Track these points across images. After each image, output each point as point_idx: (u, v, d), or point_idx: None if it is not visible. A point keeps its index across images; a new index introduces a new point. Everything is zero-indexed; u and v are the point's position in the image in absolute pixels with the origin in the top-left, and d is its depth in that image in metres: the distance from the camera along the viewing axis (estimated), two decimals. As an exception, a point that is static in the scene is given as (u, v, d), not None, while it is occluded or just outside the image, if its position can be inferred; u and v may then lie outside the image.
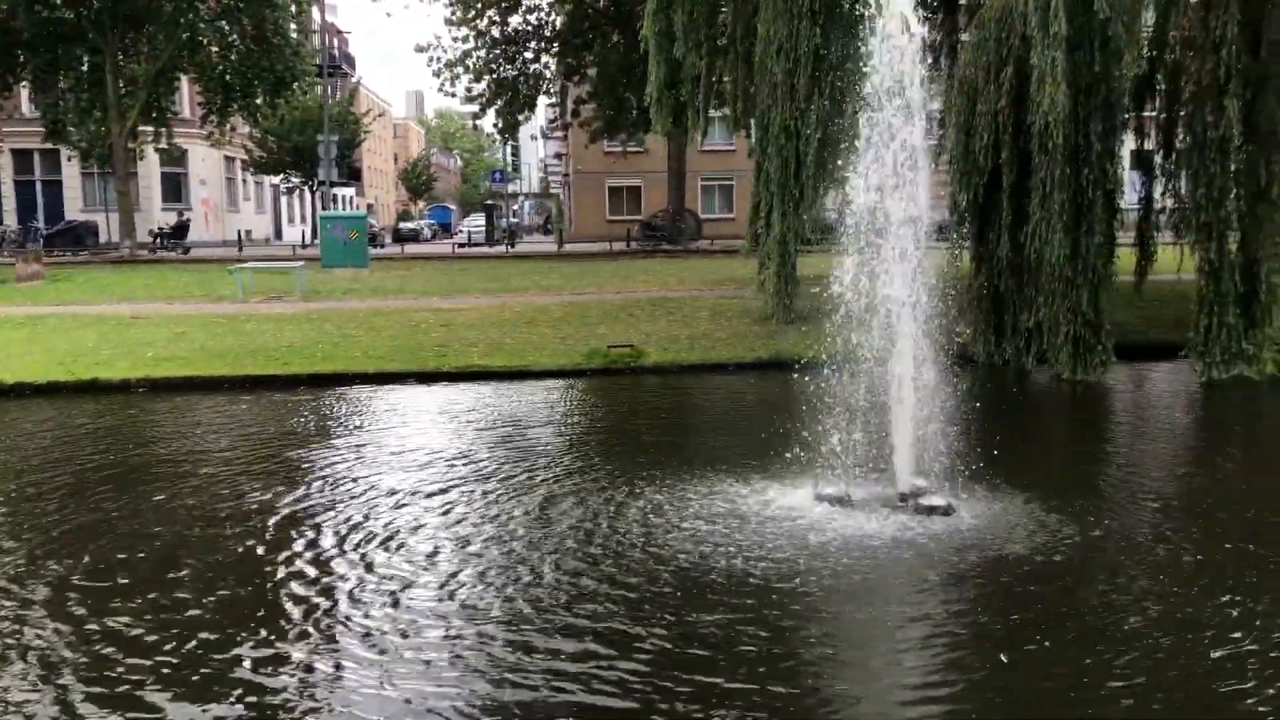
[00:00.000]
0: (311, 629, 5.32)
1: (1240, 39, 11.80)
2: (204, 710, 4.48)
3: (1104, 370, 12.40)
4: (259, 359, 13.89)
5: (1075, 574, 5.99)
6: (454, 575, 6.05)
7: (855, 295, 7.32)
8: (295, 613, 5.53)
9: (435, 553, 6.44)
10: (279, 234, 59.22)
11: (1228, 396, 11.97)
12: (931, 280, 7.51)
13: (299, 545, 6.65)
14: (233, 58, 37.15)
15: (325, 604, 5.66)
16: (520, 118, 43.43)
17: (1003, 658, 4.90)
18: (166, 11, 33.66)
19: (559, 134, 66.46)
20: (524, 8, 39.37)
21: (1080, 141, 12.21)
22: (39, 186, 45.94)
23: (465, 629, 5.27)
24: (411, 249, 44.49)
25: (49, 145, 40.19)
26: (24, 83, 38.49)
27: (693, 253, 35.85)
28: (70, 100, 36.46)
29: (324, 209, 44.50)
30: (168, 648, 5.07)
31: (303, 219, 61.30)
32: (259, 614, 5.53)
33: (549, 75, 42.18)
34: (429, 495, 7.76)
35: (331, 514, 7.30)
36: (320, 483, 8.19)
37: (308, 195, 58.94)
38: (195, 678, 4.77)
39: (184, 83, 41.62)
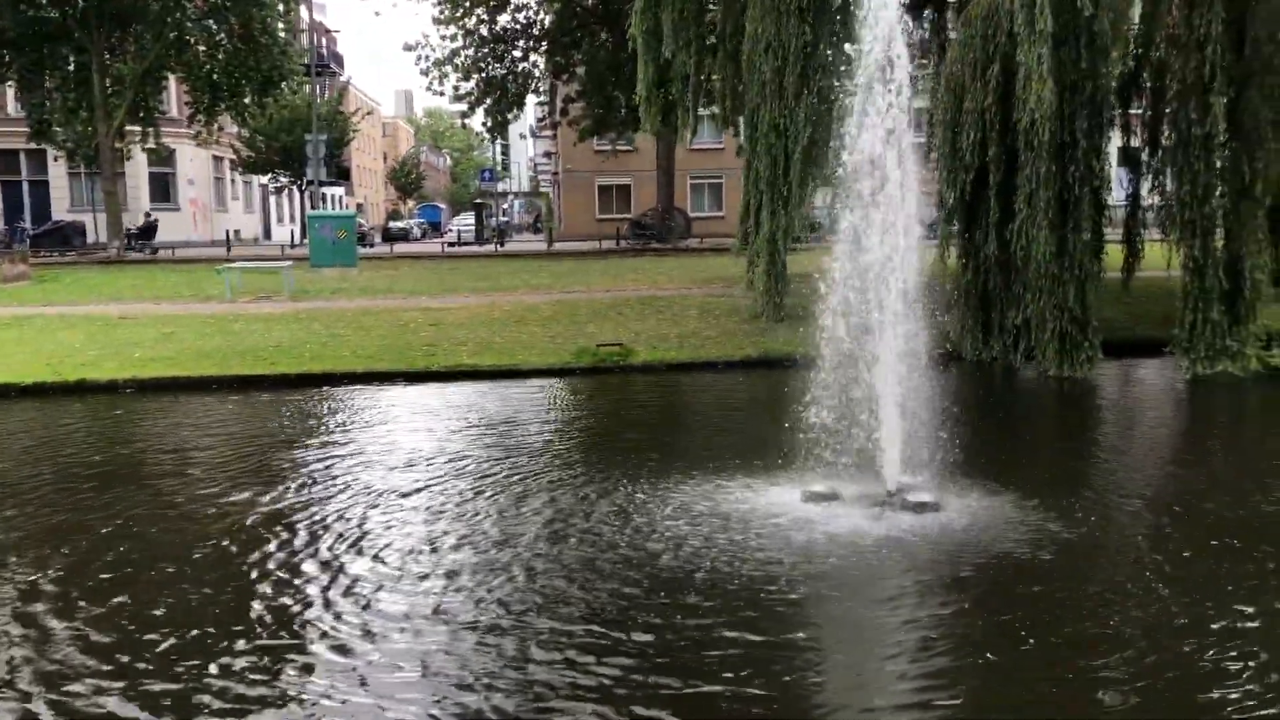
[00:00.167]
0: (284, 632, 5.26)
1: (1225, 37, 11.85)
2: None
3: (1090, 367, 12.45)
4: (247, 359, 13.85)
5: (1063, 572, 6.00)
6: (430, 576, 6.00)
7: (842, 291, 7.34)
8: (268, 616, 5.45)
9: (412, 554, 6.39)
10: (268, 234, 59.04)
11: (1212, 392, 12.02)
12: (920, 273, 7.52)
13: (276, 547, 6.59)
14: (220, 57, 36.99)
15: (300, 607, 5.59)
16: (509, 116, 43.38)
17: (990, 656, 4.91)
18: (153, 10, 33.49)
19: (548, 133, 66.35)
20: (512, 6, 39.30)
21: (1066, 138, 12.27)
22: (25, 187, 45.68)
23: (440, 631, 5.22)
24: (401, 248, 44.39)
25: (35, 145, 39.97)
26: (9, 82, 38.23)
27: (682, 251, 35.85)
28: (56, 100, 36.26)
29: (313, 208, 44.36)
30: (136, 652, 5.00)
31: (292, 218, 61.10)
32: (232, 617, 5.44)
33: (538, 74, 42.13)
34: (409, 495, 7.73)
35: (312, 515, 7.26)
36: (303, 483, 8.16)
37: (296, 195, 58.74)
38: (165, 683, 4.70)
39: (171, 82, 41.41)
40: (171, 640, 5.14)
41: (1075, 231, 12.38)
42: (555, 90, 45.37)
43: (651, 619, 5.33)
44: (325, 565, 6.24)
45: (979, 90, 12.89)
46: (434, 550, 6.47)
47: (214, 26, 35.94)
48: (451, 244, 47.38)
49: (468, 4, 38.33)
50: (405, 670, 4.83)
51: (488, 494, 7.71)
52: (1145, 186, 15.89)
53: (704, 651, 4.93)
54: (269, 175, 54.75)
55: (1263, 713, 4.34)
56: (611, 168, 50.02)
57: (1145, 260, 16.12)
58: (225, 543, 6.69)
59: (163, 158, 43.67)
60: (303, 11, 45.93)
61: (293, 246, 41.78)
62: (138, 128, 37.61)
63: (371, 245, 46.58)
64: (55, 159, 43.04)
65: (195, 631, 5.26)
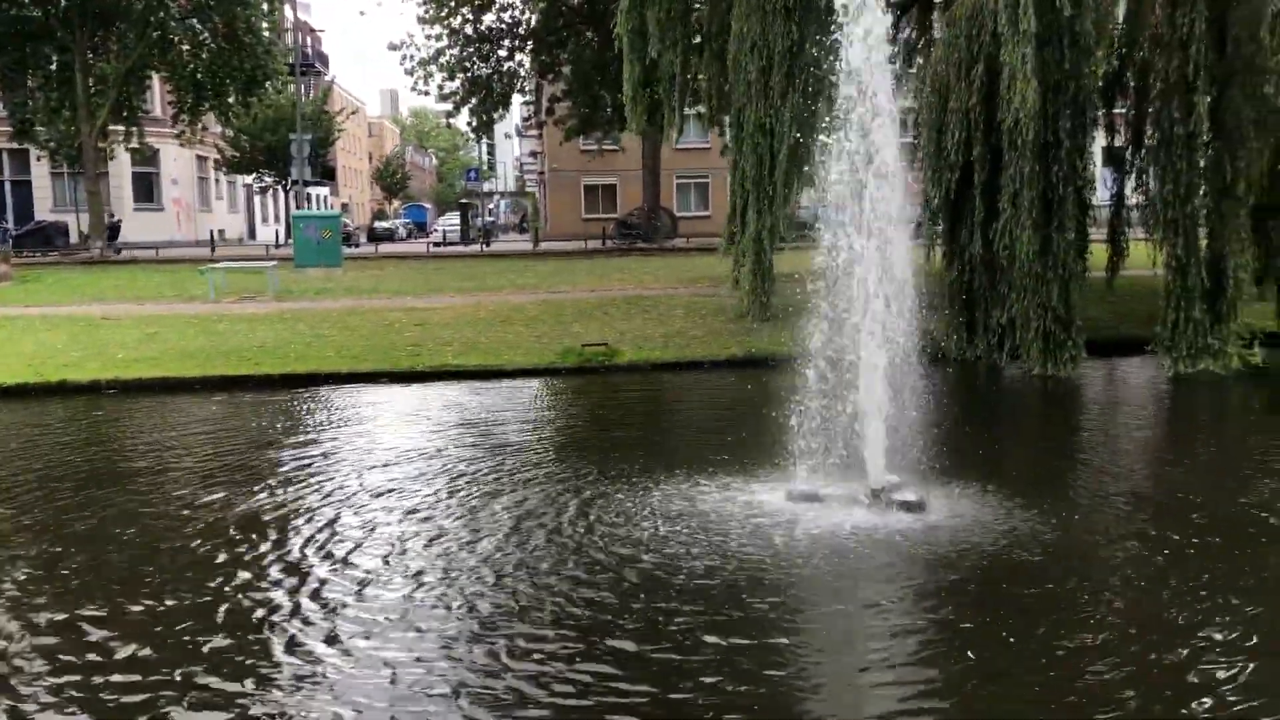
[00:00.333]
0: (266, 631, 5.22)
1: (1208, 35, 11.91)
2: None
3: (1074, 366, 12.49)
4: (231, 359, 13.79)
5: (1048, 570, 6.01)
6: (412, 577, 5.96)
7: (829, 288, 7.34)
8: (246, 617, 5.41)
9: (392, 554, 6.35)
10: (252, 234, 58.79)
11: (1194, 391, 12.09)
12: (907, 271, 7.53)
13: (253, 547, 6.54)
14: (204, 56, 36.79)
15: (281, 606, 5.55)
16: (495, 116, 43.28)
17: (970, 655, 4.91)
18: (136, 9, 33.30)
19: (534, 132, 66.27)
20: (497, 6, 39.23)
21: (1050, 138, 12.30)
22: (8, 187, 45.34)
23: (422, 632, 5.19)
24: (386, 248, 44.27)
25: (17, 145, 39.71)
26: (-8, 81, 38.02)
27: (668, 251, 35.84)
28: (39, 99, 36.00)
29: (297, 208, 44.20)
30: (115, 654, 4.97)
31: (276, 219, 60.86)
32: (208, 618, 5.39)
33: (523, 73, 42.06)
34: (391, 495, 7.70)
35: (293, 515, 7.22)
36: (285, 484, 8.11)
37: (281, 195, 58.52)
38: (160, 682, 4.68)
39: (155, 81, 41.19)
40: (135, 646, 5.08)
41: (1059, 231, 12.41)
42: (541, 90, 45.31)
43: (631, 622, 5.28)
44: (295, 568, 6.19)
45: (964, 90, 12.92)
46: (403, 552, 6.40)
47: (198, 25, 35.78)
48: (437, 244, 47.26)
49: (453, 3, 38.22)
50: (375, 676, 4.74)
51: (472, 495, 7.68)
52: (1129, 186, 15.98)
53: (684, 655, 4.89)
54: (253, 175, 54.50)
55: (1247, 709, 4.35)
56: (597, 167, 50.00)
57: (1129, 259, 16.20)
58: (202, 542, 6.64)
59: (146, 157, 43.44)
60: (287, 10, 45.76)
61: (277, 246, 41.61)
62: (121, 127, 37.41)
63: (357, 245, 46.44)
64: (38, 159, 42.75)
65: (161, 632, 5.21)
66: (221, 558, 6.40)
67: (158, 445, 10.00)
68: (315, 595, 5.71)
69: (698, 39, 17.71)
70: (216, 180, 54.60)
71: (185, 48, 36.60)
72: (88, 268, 30.35)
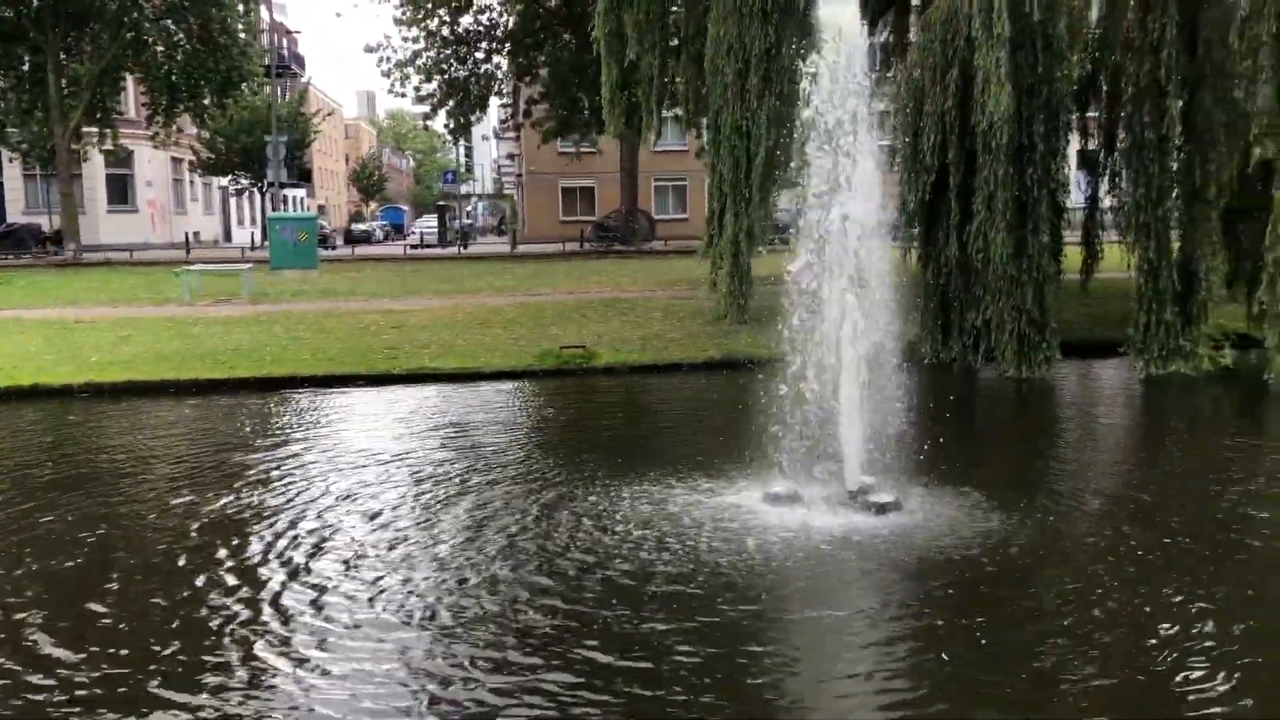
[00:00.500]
0: (231, 640, 5.14)
1: (1179, 40, 12.03)
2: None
3: (1048, 367, 12.58)
4: (206, 363, 13.69)
5: (1024, 572, 6.06)
6: (379, 582, 5.90)
7: (805, 290, 7.36)
8: (215, 622, 5.35)
9: (362, 559, 6.29)
10: (228, 236, 58.42)
11: (1165, 392, 12.20)
12: (881, 273, 7.56)
13: (226, 553, 6.47)
14: (179, 57, 36.55)
15: (249, 613, 5.48)
16: (472, 118, 43.27)
17: (944, 656, 4.93)
18: (110, 10, 33.08)
19: (511, 134, 66.25)
20: (475, 8, 39.17)
21: (1025, 141, 12.38)
22: (-20, 189, 44.97)
23: (388, 639, 5.12)
24: (363, 250, 44.16)
25: (-10, 147, 39.39)
26: (-37, 83, 37.63)
27: (646, 253, 35.90)
28: (11, 100, 35.72)
29: (273, 210, 43.96)
30: (82, 662, 4.91)
31: (252, 221, 60.48)
32: (180, 624, 5.35)
33: (501, 75, 42.02)
34: (362, 499, 7.66)
35: (264, 519, 7.17)
36: (257, 488, 8.04)
37: (257, 197, 58.19)
38: (113, 692, 4.62)
39: (129, 82, 40.90)
40: (123, 646, 5.05)
41: (1033, 233, 12.50)
42: (518, 92, 45.30)
43: (604, 626, 5.26)
44: (271, 570, 6.13)
45: (938, 94, 12.99)
46: (376, 556, 6.36)
47: (172, 26, 35.58)
48: (414, 246, 47.14)
49: (430, 5, 38.15)
50: (349, 680, 4.70)
51: (443, 499, 7.63)
52: (1103, 189, 16.11)
53: (659, 661, 4.86)
54: (229, 177, 54.18)
55: (1220, 709, 4.39)
56: (575, 170, 49.97)
57: (1104, 262, 16.33)
58: (175, 548, 6.57)
59: (120, 159, 43.13)
60: (263, 12, 45.59)
61: (253, 249, 41.37)
62: (95, 129, 37.14)
63: (333, 248, 46.27)
64: (10, 160, 42.40)
65: (131, 636, 5.18)
66: (182, 561, 6.32)
67: (128, 449, 9.91)
68: (274, 602, 5.63)
69: (675, 42, 17.75)
70: (191, 182, 54.26)
71: (160, 49, 36.38)
72: (61, 270, 30.09)
